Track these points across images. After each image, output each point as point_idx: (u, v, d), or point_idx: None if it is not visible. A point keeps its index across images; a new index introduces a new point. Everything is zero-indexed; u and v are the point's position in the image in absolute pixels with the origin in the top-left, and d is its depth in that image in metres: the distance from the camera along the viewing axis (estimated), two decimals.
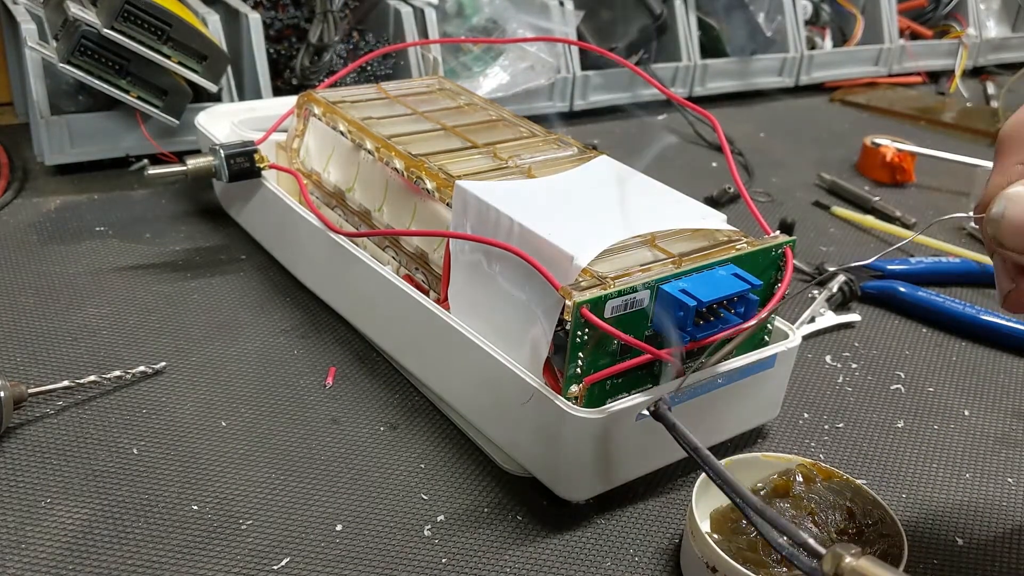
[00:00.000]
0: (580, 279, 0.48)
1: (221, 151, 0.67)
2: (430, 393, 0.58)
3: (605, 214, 0.54)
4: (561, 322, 0.47)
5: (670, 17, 1.12)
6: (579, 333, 0.47)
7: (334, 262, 0.63)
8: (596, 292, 0.46)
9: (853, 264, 0.79)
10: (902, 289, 0.75)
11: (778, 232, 0.55)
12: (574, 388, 0.48)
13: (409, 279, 0.59)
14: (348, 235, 0.62)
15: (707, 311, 0.49)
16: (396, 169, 0.60)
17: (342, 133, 0.66)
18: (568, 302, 0.46)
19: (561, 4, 1.05)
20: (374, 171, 0.63)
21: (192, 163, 0.68)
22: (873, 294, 0.76)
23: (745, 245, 0.53)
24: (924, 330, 0.72)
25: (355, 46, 0.95)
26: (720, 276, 0.50)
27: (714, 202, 0.89)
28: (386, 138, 0.62)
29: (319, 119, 0.68)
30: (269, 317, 0.66)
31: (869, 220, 0.89)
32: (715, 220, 0.55)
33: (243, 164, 0.68)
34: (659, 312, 0.49)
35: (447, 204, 0.56)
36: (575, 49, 1.06)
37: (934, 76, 1.40)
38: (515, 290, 0.51)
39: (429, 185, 0.58)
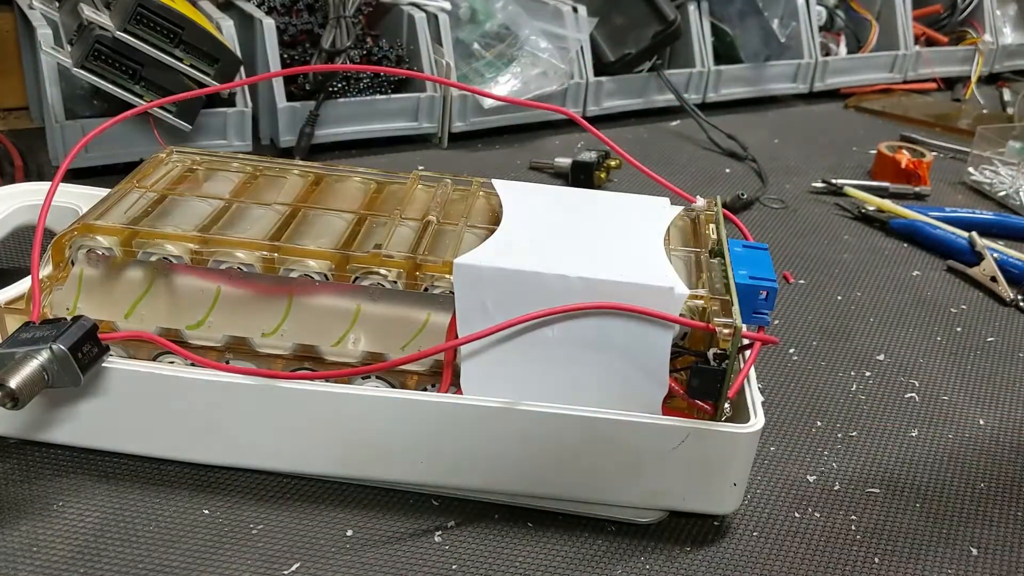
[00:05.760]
0: (683, 308, 0.46)
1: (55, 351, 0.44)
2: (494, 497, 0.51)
3: (612, 239, 0.52)
4: (696, 353, 0.47)
5: (684, 23, 1.12)
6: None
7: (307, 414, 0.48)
8: (732, 312, 0.46)
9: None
10: (928, 220, 0.86)
11: (699, 197, 0.58)
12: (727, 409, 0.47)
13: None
14: (304, 378, 0.48)
15: None
16: (321, 274, 0.49)
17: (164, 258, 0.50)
18: (725, 330, 0.45)
19: (575, 10, 1.04)
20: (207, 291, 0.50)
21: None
22: (899, 230, 0.87)
23: (705, 217, 0.55)
24: (939, 338, 0.72)
25: (368, 51, 0.95)
26: (742, 252, 0.50)
27: (728, 208, 0.89)
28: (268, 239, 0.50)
29: (97, 256, 0.50)
30: None
31: (887, 205, 0.91)
32: (671, 210, 0.55)
33: (91, 351, 0.45)
34: (742, 305, 0.48)
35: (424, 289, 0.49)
36: (588, 55, 1.06)
37: (949, 82, 1.39)
38: (590, 347, 0.47)
39: (389, 274, 0.49)
